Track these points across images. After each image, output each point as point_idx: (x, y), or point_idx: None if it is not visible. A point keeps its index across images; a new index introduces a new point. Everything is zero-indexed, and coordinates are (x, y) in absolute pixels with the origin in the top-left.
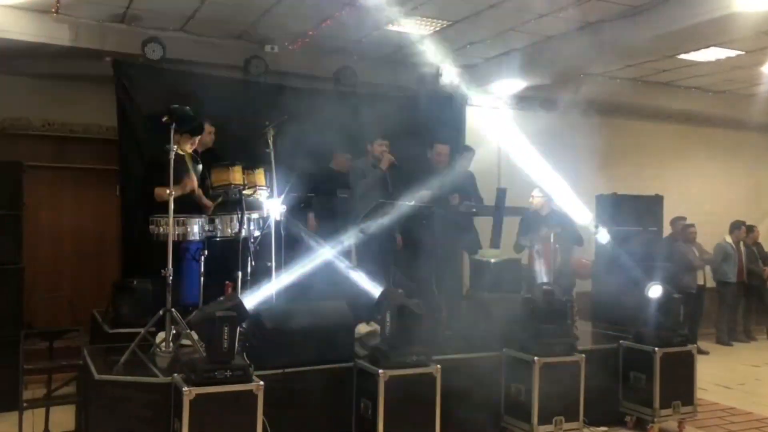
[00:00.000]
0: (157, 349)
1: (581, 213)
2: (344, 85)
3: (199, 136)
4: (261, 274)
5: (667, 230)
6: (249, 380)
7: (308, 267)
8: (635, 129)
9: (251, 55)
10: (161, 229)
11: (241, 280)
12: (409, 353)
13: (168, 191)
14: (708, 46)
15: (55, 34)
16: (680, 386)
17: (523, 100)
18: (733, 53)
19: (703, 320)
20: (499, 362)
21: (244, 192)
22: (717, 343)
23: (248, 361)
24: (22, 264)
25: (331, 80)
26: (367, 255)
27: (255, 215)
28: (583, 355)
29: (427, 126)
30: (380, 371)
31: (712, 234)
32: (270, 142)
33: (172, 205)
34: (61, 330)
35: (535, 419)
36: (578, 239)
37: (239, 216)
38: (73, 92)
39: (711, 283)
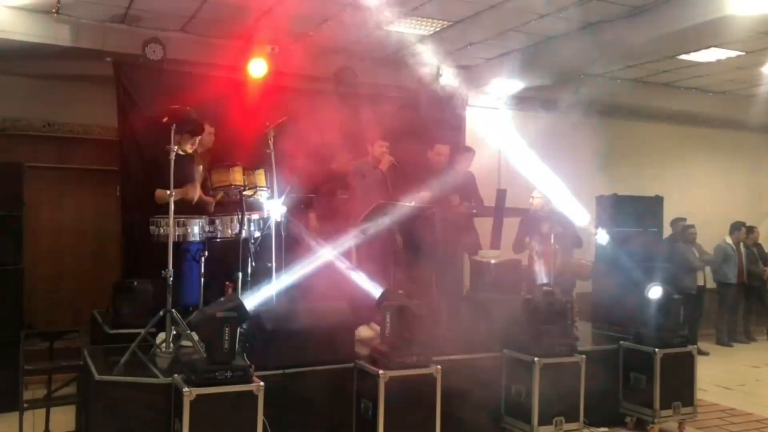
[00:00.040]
0: (158, 350)
1: (580, 214)
2: (344, 85)
3: (200, 137)
4: (261, 275)
5: (667, 231)
6: (249, 381)
7: (308, 268)
8: (635, 129)
9: (251, 56)
10: (161, 230)
11: (242, 280)
12: (409, 354)
13: (168, 193)
14: (708, 47)
15: (56, 35)
16: (680, 387)
17: (523, 100)
18: (733, 54)
19: (703, 321)
20: (500, 363)
21: (244, 193)
22: (717, 344)
23: (248, 362)
24: (23, 264)
25: (331, 80)
26: (367, 256)
27: (255, 216)
28: (584, 356)
29: (428, 126)
30: (380, 372)
31: (712, 235)
32: (270, 142)
33: (172, 206)
34: (62, 330)
35: (535, 420)
36: (578, 241)
37: (239, 217)
38: (73, 93)
39: (711, 284)
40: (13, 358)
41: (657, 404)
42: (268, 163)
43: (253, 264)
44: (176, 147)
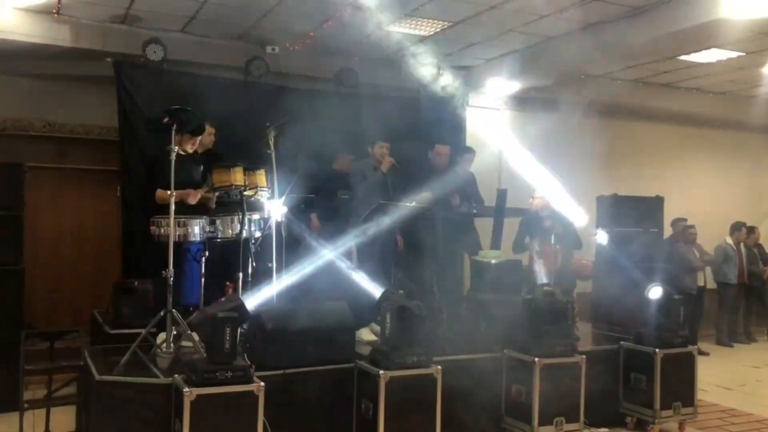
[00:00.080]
0: (158, 350)
1: (579, 215)
2: (345, 86)
3: (200, 137)
4: (262, 275)
5: (667, 231)
6: (250, 381)
7: (309, 268)
8: (636, 130)
9: (252, 56)
10: (162, 230)
11: (242, 281)
12: (409, 354)
13: (169, 193)
14: (709, 48)
15: (56, 35)
16: (681, 387)
17: (523, 101)
18: (733, 54)
19: (703, 321)
20: (500, 363)
21: (245, 193)
22: (717, 344)
23: (249, 362)
24: (23, 265)
25: (332, 81)
26: (368, 256)
27: (256, 216)
28: (584, 356)
29: (428, 127)
30: (381, 372)
31: (712, 235)
32: (271, 143)
33: (173, 206)
34: (62, 330)
35: (535, 420)
36: (578, 243)
37: (240, 217)
38: (74, 93)
39: (711, 285)
40: (13, 358)
41: (657, 404)
42: (269, 163)
43: (254, 264)
44: (177, 147)
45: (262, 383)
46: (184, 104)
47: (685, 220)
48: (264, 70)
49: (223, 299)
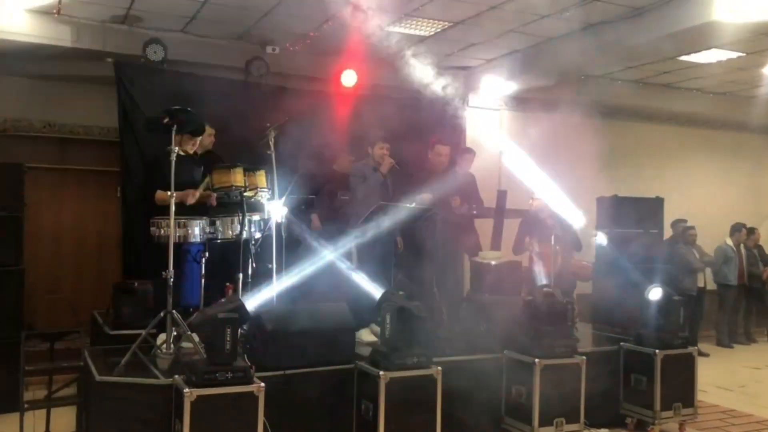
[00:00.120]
0: (158, 351)
1: (577, 217)
2: (344, 86)
3: (200, 137)
4: (262, 276)
5: (667, 232)
6: (250, 382)
7: (309, 269)
8: (636, 131)
9: (252, 57)
10: (162, 231)
11: (242, 281)
12: (409, 355)
13: (169, 194)
14: (709, 48)
15: (57, 35)
16: (681, 388)
17: (523, 101)
18: (734, 55)
19: (703, 322)
20: (500, 364)
21: (245, 194)
22: (717, 345)
23: (249, 363)
24: (23, 265)
25: (331, 81)
26: (368, 257)
27: (256, 217)
28: (584, 357)
29: (428, 127)
30: (381, 373)
31: (712, 236)
32: (271, 143)
33: (173, 207)
34: (62, 331)
35: (535, 421)
36: (578, 244)
37: (240, 218)
38: (74, 93)
39: (711, 286)
40: (13, 358)
41: (657, 405)
42: (269, 163)
43: (254, 265)
44: (177, 148)
45: (263, 384)
46: (185, 105)
47: (685, 221)
48: (264, 71)
49: (223, 300)
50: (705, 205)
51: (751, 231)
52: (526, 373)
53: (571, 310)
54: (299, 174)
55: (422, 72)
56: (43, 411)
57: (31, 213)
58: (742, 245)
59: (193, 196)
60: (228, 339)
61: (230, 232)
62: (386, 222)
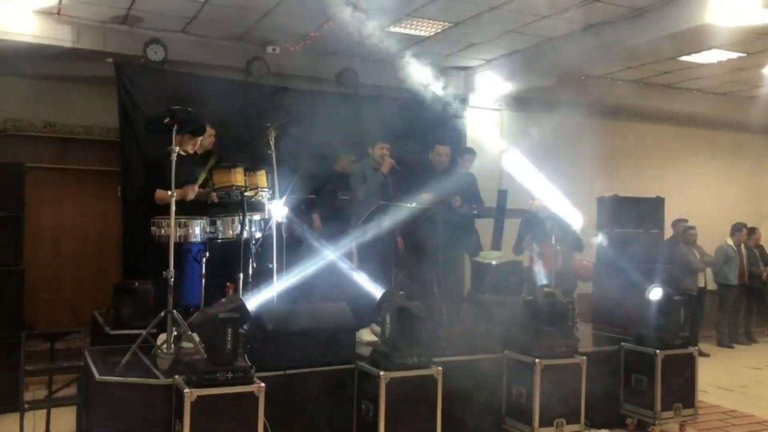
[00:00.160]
0: (159, 351)
1: (575, 219)
2: (346, 86)
3: (201, 137)
4: (262, 276)
5: (668, 232)
6: (250, 382)
7: (310, 269)
8: (636, 131)
9: (253, 57)
10: (162, 231)
11: (243, 281)
12: (410, 355)
13: (169, 194)
14: (709, 48)
15: (57, 36)
16: (681, 389)
17: (524, 101)
18: (734, 55)
19: (704, 323)
20: (501, 364)
21: (245, 194)
22: (718, 345)
23: (249, 363)
24: (23, 265)
25: (332, 82)
26: (368, 257)
27: (257, 217)
28: (585, 358)
29: (429, 128)
30: (381, 373)
31: (713, 236)
32: (272, 143)
33: (173, 207)
34: (62, 331)
35: (536, 421)
36: (579, 244)
37: (241, 218)
38: (74, 94)
39: (712, 286)
40: (13, 358)
41: (658, 406)
42: (270, 163)
43: (254, 265)
44: (177, 148)
45: (263, 384)
46: (185, 105)
47: (685, 221)
48: (264, 71)
49: (223, 300)
50: (705, 205)
51: (752, 231)
52: (526, 373)
53: (571, 310)
54: (300, 174)
55: (422, 73)
56: (44, 411)
57: (31, 213)
58: (742, 245)
59: (192, 191)
60: (229, 339)
61: (231, 232)
62: (387, 222)
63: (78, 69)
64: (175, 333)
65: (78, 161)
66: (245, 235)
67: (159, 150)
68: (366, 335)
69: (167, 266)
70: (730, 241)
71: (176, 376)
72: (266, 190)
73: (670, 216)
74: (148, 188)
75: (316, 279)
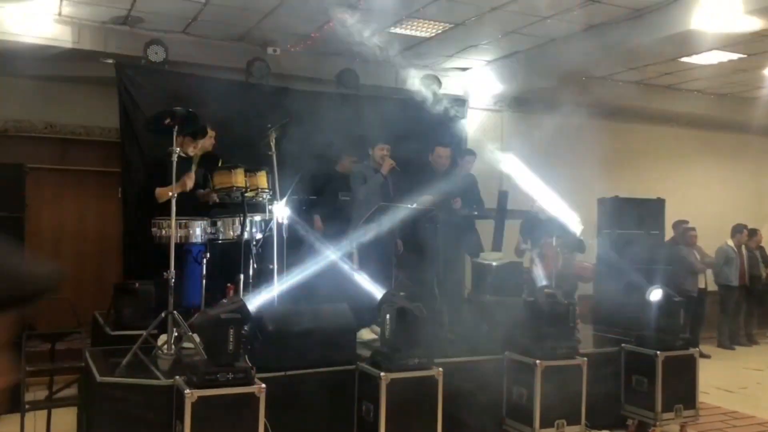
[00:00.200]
0: (159, 352)
1: (576, 220)
2: (346, 87)
3: (202, 141)
4: (263, 277)
5: (668, 234)
6: (251, 383)
7: (310, 269)
8: (637, 132)
9: (253, 58)
10: (163, 231)
11: (243, 282)
12: (410, 356)
13: (170, 193)
14: (710, 50)
15: (58, 36)
16: (682, 390)
17: (525, 102)
18: (735, 56)
19: (704, 324)
20: (501, 365)
21: (246, 194)
22: (719, 346)
23: (250, 364)
24: None
25: (333, 83)
26: (369, 258)
27: (257, 218)
28: (585, 359)
29: (429, 129)
30: (382, 374)
31: (714, 238)
32: (272, 144)
33: (174, 207)
34: (63, 332)
35: (536, 422)
36: (579, 246)
37: (241, 218)
38: (75, 94)
39: (712, 287)
40: (14, 359)
41: (659, 407)
42: (270, 164)
43: (255, 266)
44: (178, 149)
45: (263, 385)
46: (185, 105)
47: (686, 222)
48: (265, 72)
49: (224, 301)
50: (706, 206)
51: (753, 232)
52: (527, 374)
53: (572, 312)
54: (300, 175)
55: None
56: (44, 412)
57: (32, 213)
58: (743, 246)
59: (190, 179)
60: (231, 340)
61: (231, 233)
62: (387, 223)
63: (79, 70)
64: (176, 334)
65: (78, 162)
66: (246, 236)
67: (159, 151)
68: (366, 334)
69: (168, 267)
70: (730, 242)
71: (177, 377)
72: (267, 191)
73: (670, 217)
74: (148, 189)
75: (316, 280)
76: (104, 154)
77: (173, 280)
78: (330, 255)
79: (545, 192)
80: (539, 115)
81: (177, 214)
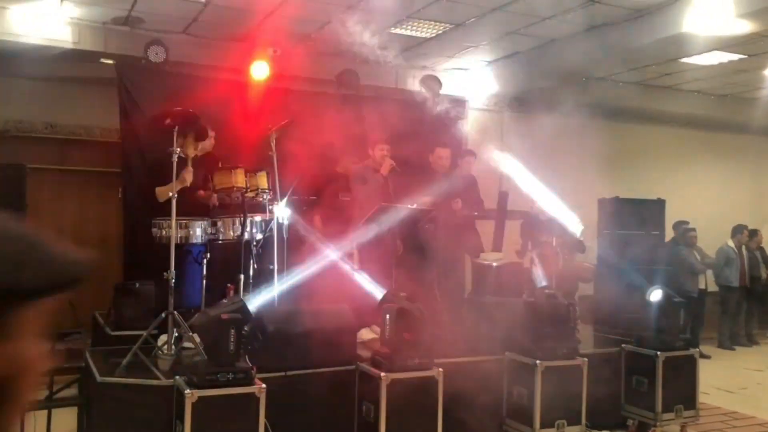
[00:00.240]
0: (159, 352)
1: (573, 223)
2: (346, 87)
3: (202, 142)
4: (263, 277)
5: (669, 234)
6: (251, 383)
7: (310, 270)
8: (638, 132)
9: (254, 58)
10: (163, 232)
11: (244, 282)
12: (411, 356)
13: (171, 193)
14: (711, 50)
15: (58, 37)
16: (682, 390)
17: (525, 102)
18: (735, 57)
19: (705, 324)
20: (502, 366)
21: (246, 195)
22: (719, 347)
23: (250, 364)
24: None
25: (333, 83)
26: (369, 258)
27: (258, 218)
28: (586, 359)
29: (429, 129)
30: (382, 374)
31: (714, 238)
32: (272, 144)
33: (174, 208)
34: (63, 332)
35: (537, 423)
36: (579, 246)
37: (241, 219)
38: (75, 95)
39: (713, 287)
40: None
41: (659, 407)
42: (271, 165)
43: (255, 266)
44: (179, 150)
45: (264, 385)
46: (186, 106)
47: (686, 222)
48: (266, 72)
49: (224, 301)
50: (706, 207)
51: (753, 233)
52: (527, 374)
53: (572, 312)
54: (301, 175)
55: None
56: (44, 412)
57: (32, 213)
58: (743, 247)
59: (189, 172)
60: (231, 340)
61: (232, 233)
62: (387, 223)
63: (79, 70)
64: (176, 334)
65: (79, 162)
66: (246, 236)
67: (160, 151)
68: (366, 333)
69: (168, 267)
70: (731, 243)
71: (177, 377)
72: (267, 191)
73: (671, 218)
74: (148, 189)
75: (317, 280)
76: (104, 154)
77: (173, 281)
78: (330, 255)
79: (545, 192)
80: (539, 116)
81: (177, 215)
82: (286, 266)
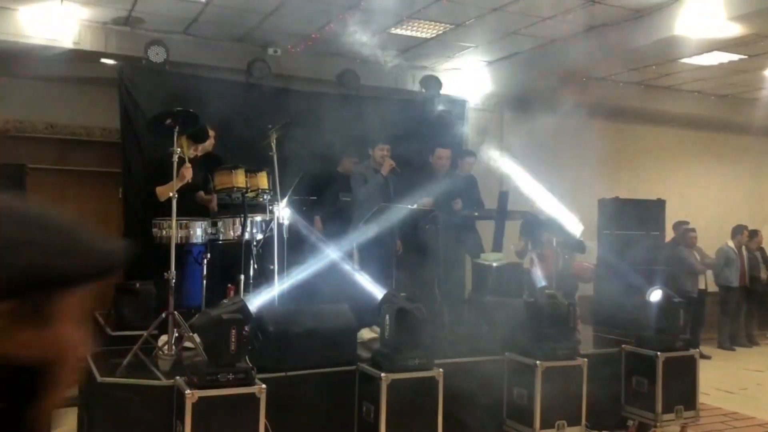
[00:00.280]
0: (160, 352)
1: (573, 223)
2: (347, 88)
3: (203, 144)
4: (264, 277)
5: (669, 234)
6: (252, 383)
7: (311, 270)
8: (638, 133)
9: (254, 58)
10: (164, 232)
11: (244, 283)
12: (411, 357)
13: (171, 192)
14: (711, 50)
15: (59, 37)
16: (682, 391)
17: (525, 103)
18: (735, 57)
19: (705, 325)
20: (502, 366)
21: (247, 195)
22: (719, 347)
23: (250, 364)
24: None
25: (333, 83)
26: (369, 258)
27: (258, 218)
28: (586, 360)
29: (429, 129)
30: (382, 375)
31: (714, 238)
32: (273, 145)
33: (174, 208)
34: None
35: (537, 423)
36: (579, 246)
37: (242, 219)
38: (76, 95)
39: (713, 288)
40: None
41: (659, 408)
42: (271, 165)
43: (256, 266)
44: (179, 150)
45: (264, 385)
46: (186, 106)
47: (686, 223)
48: (266, 72)
49: (225, 301)
50: (706, 207)
51: (753, 233)
52: (527, 375)
53: (572, 313)
54: (301, 175)
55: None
56: None
57: None
58: (743, 247)
59: (188, 170)
60: (231, 340)
61: (232, 233)
62: (387, 223)
63: (79, 70)
64: (177, 334)
65: (79, 162)
66: (247, 236)
67: (160, 151)
68: (366, 333)
69: (168, 267)
70: (731, 243)
71: (177, 378)
72: (268, 191)
73: (670, 218)
74: (149, 189)
75: (317, 280)
76: (105, 154)
77: (174, 281)
78: (330, 255)
79: (545, 192)
80: (539, 116)
81: (178, 215)
82: (286, 266)
